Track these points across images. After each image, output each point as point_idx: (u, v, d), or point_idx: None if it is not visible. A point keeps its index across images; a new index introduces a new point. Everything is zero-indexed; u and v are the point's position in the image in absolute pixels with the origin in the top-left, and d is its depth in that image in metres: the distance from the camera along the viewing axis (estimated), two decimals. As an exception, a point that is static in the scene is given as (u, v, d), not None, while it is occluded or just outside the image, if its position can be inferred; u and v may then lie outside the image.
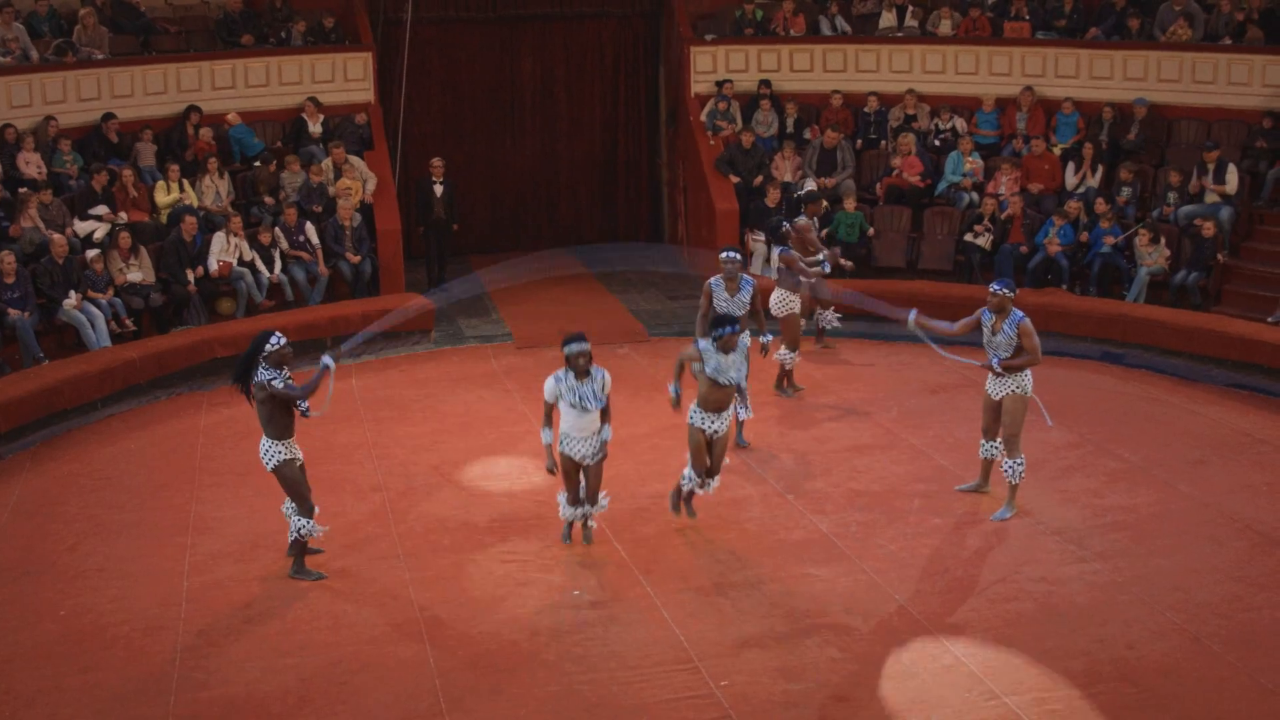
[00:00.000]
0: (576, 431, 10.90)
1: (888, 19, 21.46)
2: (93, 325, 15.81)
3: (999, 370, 11.59)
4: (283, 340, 10.48)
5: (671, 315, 18.90)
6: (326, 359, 10.66)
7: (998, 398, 11.73)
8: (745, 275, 13.16)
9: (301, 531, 10.67)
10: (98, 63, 18.63)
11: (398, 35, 20.59)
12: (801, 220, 16.10)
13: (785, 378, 15.25)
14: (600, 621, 9.94)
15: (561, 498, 11.26)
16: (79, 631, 9.86)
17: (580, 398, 10.80)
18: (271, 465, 10.58)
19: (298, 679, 9.15)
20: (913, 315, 12.04)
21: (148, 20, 19.87)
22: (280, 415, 10.50)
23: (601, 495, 11.25)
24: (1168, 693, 8.84)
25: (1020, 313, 11.53)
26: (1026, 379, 11.61)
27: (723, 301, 13.04)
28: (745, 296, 13.04)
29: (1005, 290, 11.54)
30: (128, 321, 16.34)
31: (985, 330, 11.67)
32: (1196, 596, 10.15)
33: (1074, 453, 13.29)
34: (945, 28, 21.11)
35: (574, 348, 10.74)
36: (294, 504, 10.67)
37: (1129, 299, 17.35)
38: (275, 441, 10.53)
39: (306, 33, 20.28)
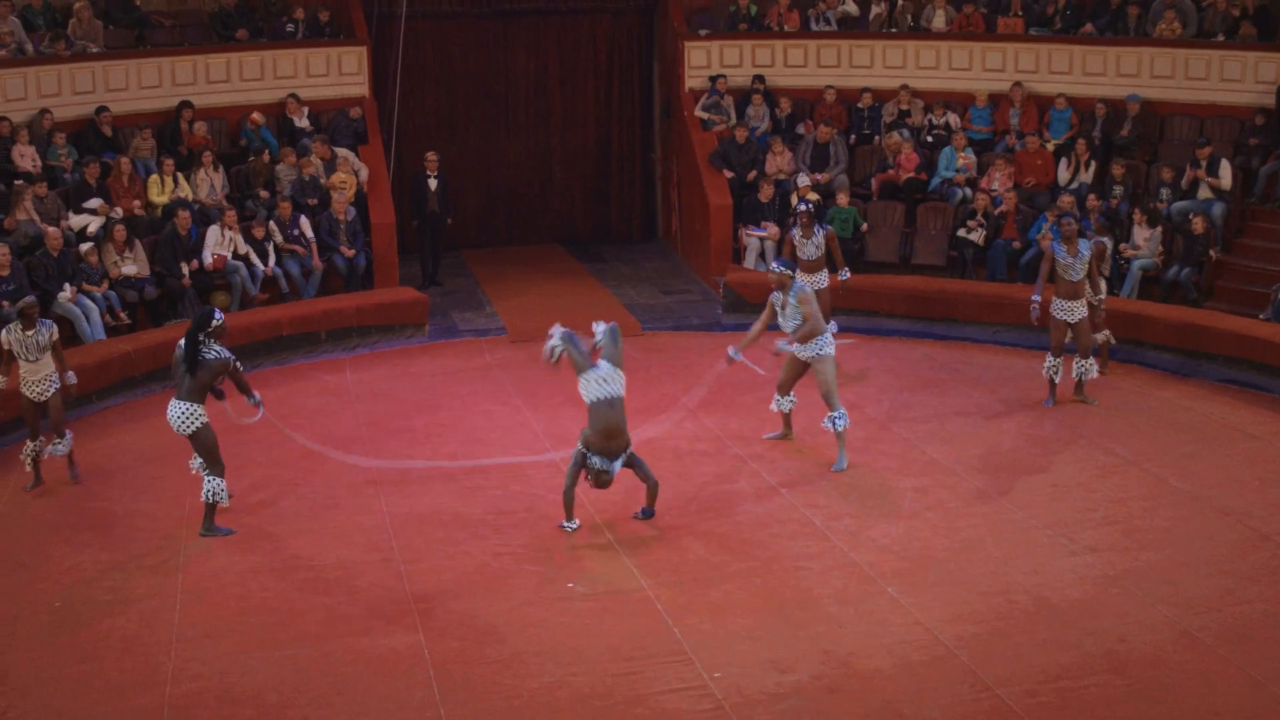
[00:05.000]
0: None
1: (878, 11, 21.49)
2: (87, 318, 15.80)
3: (792, 348, 12.79)
4: (223, 317, 11.53)
5: (665, 310, 18.92)
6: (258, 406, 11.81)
7: (805, 358, 12.92)
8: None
9: (215, 493, 11.46)
10: (92, 56, 18.60)
11: (392, 29, 20.57)
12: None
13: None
14: (594, 614, 9.98)
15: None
16: (74, 622, 9.89)
17: None
18: (194, 428, 11.35)
19: (293, 670, 9.19)
20: (730, 351, 12.70)
21: (142, 14, 19.85)
22: (210, 385, 11.40)
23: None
24: (1159, 685, 8.89)
25: (800, 283, 12.81)
26: (826, 344, 12.80)
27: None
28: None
29: (782, 268, 12.78)
30: (122, 315, 16.32)
31: (778, 310, 12.87)
32: (1187, 590, 10.20)
33: (1065, 446, 13.34)
34: (939, 21, 21.13)
35: None
36: (207, 463, 11.51)
37: (1121, 294, 17.38)
38: (195, 405, 11.33)
39: (302, 22, 20.31)
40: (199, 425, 11.33)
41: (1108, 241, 16.44)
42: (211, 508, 11.53)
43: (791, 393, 13.41)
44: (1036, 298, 14.58)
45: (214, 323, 11.34)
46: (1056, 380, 14.63)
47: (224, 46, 19.81)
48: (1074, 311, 14.42)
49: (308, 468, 12.83)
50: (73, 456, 12.81)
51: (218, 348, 11.31)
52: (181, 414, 11.28)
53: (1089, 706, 8.64)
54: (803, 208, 15.80)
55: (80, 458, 13.18)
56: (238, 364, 11.47)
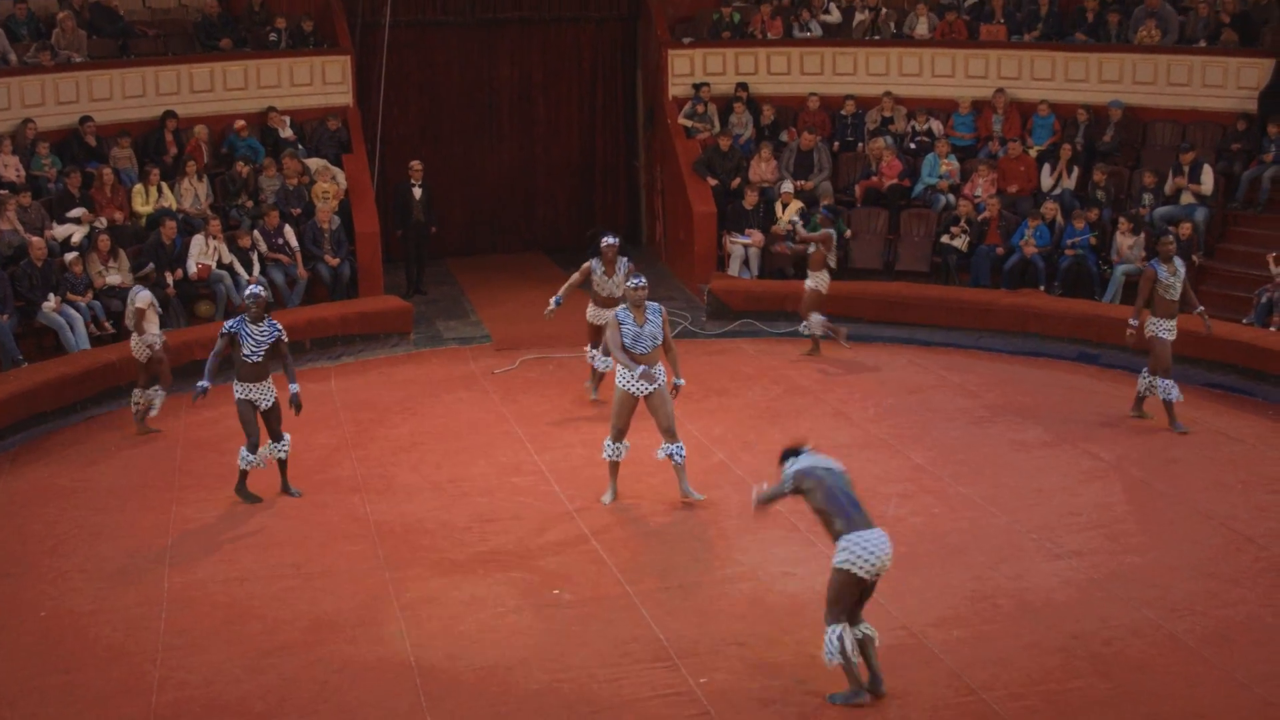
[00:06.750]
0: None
1: (861, 18, 21.56)
2: (72, 328, 15.77)
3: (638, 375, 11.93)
4: (258, 289, 12.26)
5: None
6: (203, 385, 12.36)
7: (645, 393, 11.98)
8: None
9: (284, 455, 12.48)
10: (76, 66, 18.58)
11: (376, 38, 20.61)
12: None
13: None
14: (580, 620, 9.98)
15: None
16: (60, 632, 9.86)
17: None
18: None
19: (279, 678, 9.17)
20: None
21: (126, 24, 19.83)
22: (235, 359, 12.19)
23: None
24: (1143, 688, 8.91)
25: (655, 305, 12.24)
26: (662, 373, 12.08)
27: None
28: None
29: (642, 283, 12.18)
30: (107, 324, 16.28)
31: (622, 327, 12.13)
32: (1171, 593, 10.24)
33: (1050, 451, 13.38)
34: (922, 29, 21.20)
35: None
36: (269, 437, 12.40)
37: (1105, 299, 17.42)
38: (236, 383, 12.19)
39: (285, 30, 20.30)
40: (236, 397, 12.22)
41: (834, 233, 16.81)
42: (245, 475, 12.37)
43: (627, 439, 12.22)
44: (1135, 321, 14.00)
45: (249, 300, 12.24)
46: (1147, 396, 14.15)
47: (208, 56, 19.80)
48: (1174, 331, 13.93)
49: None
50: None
51: (234, 321, 12.22)
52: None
53: (1073, 709, 8.66)
54: (608, 240, 14.84)
55: (67, 469, 13.19)
56: (225, 333, 12.13)
